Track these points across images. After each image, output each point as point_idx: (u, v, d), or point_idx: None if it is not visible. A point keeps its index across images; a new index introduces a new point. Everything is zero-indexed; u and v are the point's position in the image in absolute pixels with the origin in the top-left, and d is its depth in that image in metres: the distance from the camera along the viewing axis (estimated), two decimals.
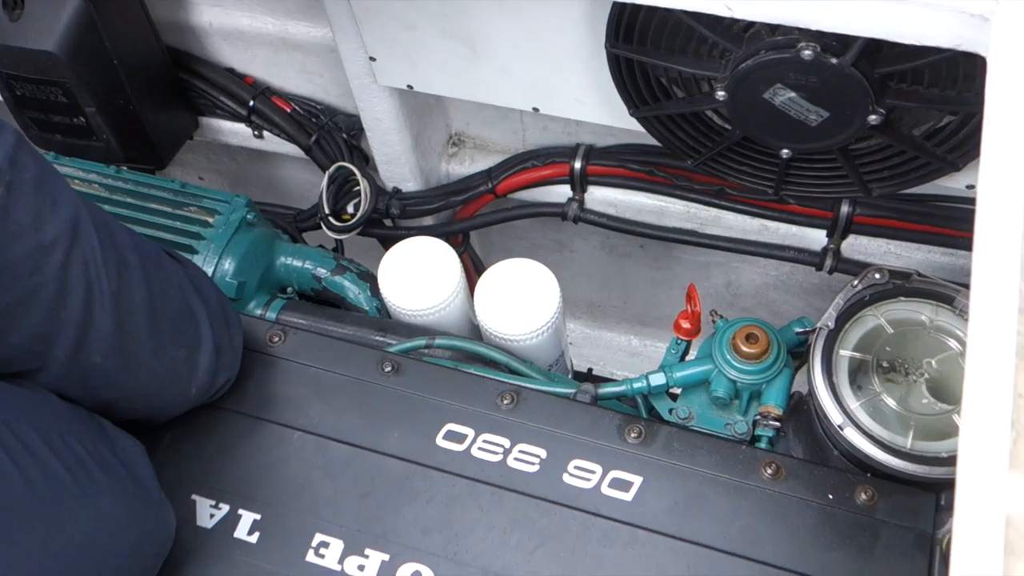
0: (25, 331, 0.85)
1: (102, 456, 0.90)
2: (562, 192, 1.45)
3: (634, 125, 1.20)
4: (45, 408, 0.89)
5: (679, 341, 1.14)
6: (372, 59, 1.29)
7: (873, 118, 0.99)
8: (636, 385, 1.09)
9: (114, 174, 1.33)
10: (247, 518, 1.00)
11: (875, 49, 0.92)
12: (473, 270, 1.65)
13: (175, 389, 1.01)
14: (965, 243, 0.75)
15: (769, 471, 0.97)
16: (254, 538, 0.99)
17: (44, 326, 0.86)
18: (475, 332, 1.27)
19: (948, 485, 0.72)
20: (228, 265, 1.24)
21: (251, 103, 1.53)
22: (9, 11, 1.34)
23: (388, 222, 1.56)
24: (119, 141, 1.47)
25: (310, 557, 0.97)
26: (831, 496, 0.95)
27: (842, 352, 1.02)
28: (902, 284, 1.04)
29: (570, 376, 1.37)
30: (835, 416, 0.98)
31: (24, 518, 0.80)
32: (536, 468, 1.00)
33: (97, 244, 0.89)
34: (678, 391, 1.12)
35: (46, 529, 0.82)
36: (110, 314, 0.90)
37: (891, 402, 0.99)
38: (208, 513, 1.01)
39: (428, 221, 1.57)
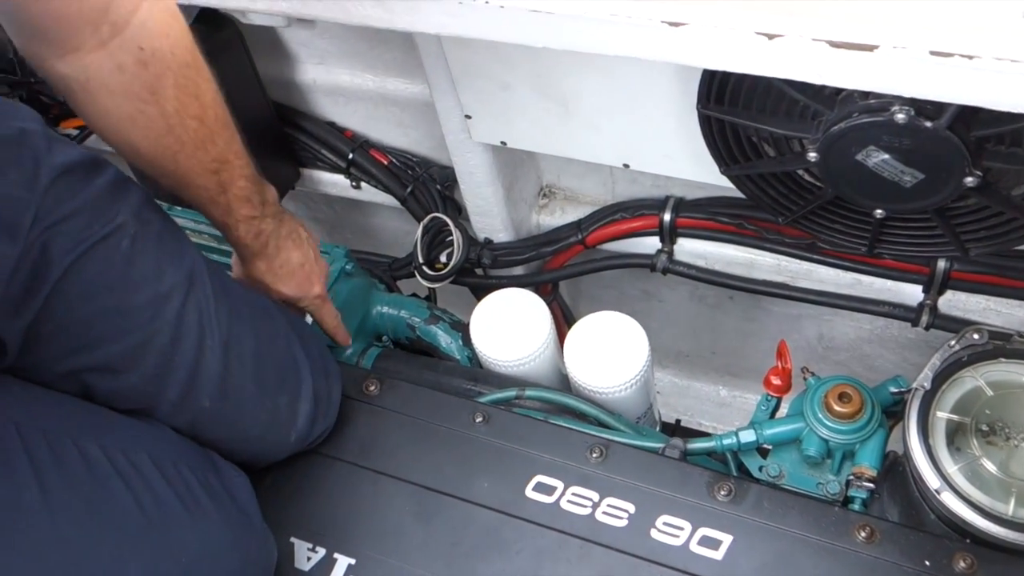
0: (142, 373, 0.91)
1: (210, 484, 0.95)
2: (651, 244, 1.46)
3: (724, 180, 1.21)
4: (160, 437, 0.94)
5: (769, 398, 1.14)
6: (468, 116, 1.34)
7: (970, 180, 0.97)
8: (726, 441, 1.09)
9: None
10: (342, 562, 1.03)
11: (971, 112, 0.91)
12: (562, 319, 1.67)
13: (275, 435, 1.05)
14: None
15: (863, 534, 0.96)
16: None
17: (158, 369, 0.92)
18: (564, 382, 1.29)
19: None
20: None
21: (350, 155, 1.60)
22: None
23: (479, 271, 1.60)
24: None
25: None
26: (928, 562, 0.93)
27: (939, 414, 1.00)
28: (1002, 345, 1.02)
29: (658, 428, 1.37)
30: (932, 480, 0.96)
31: (136, 541, 0.85)
32: (625, 523, 1.01)
33: (211, 293, 0.95)
34: (769, 448, 1.11)
35: (157, 551, 0.86)
36: (220, 360, 0.95)
37: (991, 467, 0.96)
38: (306, 556, 1.04)
39: (519, 271, 1.59)
